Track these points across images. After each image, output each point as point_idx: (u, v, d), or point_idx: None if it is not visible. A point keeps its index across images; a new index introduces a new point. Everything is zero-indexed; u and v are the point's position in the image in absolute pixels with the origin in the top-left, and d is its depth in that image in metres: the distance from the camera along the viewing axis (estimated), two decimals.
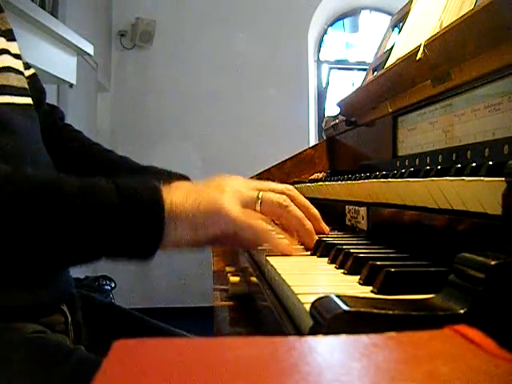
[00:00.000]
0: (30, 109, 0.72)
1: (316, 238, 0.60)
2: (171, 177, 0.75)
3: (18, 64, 0.72)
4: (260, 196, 0.56)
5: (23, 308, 0.61)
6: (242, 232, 0.53)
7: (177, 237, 0.51)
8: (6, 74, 0.69)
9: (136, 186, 0.51)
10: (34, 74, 0.82)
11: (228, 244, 0.61)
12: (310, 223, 0.59)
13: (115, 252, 0.51)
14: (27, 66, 0.79)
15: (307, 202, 0.62)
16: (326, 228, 0.65)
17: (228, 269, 0.77)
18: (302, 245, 0.60)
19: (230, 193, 0.54)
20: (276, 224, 0.61)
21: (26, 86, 0.73)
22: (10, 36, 0.73)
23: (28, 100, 0.72)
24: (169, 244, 0.51)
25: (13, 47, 0.73)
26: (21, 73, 0.73)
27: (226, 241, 0.56)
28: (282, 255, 0.55)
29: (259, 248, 0.59)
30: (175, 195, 0.51)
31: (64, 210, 0.48)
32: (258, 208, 0.56)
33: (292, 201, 0.59)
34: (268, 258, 0.52)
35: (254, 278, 0.63)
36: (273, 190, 0.58)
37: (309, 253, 0.57)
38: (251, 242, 0.55)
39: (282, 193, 0.59)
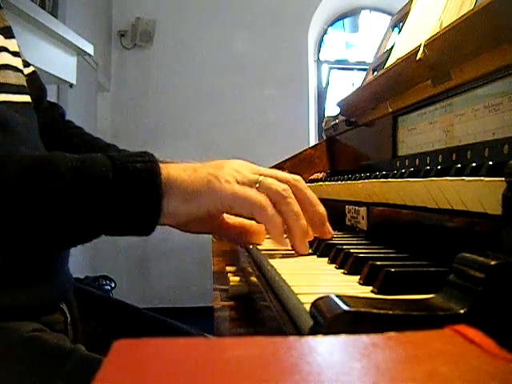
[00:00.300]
0: (29, 107, 0.72)
1: (307, 241, 0.55)
2: None
3: (16, 62, 0.72)
4: (259, 179, 0.53)
5: (23, 306, 0.61)
6: (235, 203, 0.50)
7: (173, 209, 0.50)
8: (4, 72, 0.68)
9: (131, 158, 0.50)
10: (33, 72, 0.82)
11: (231, 235, 0.59)
12: (305, 223, 0.53)
13: (115, 227, 0.50)
14: (27, 64, 0.79)
15: (314, 198, 0.56)
16: (330, 232, 0.58)
17: (228, 269, 0.77)
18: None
19: (228, 170, 0.52)
20: None
21: (25, 84, 0.72)
22: (8, 33, 0.73)
23: (26, 98, 0.72)
24: (166, 217, 0.50)
25: (11, 45, 0.72)
26: (20, 70, 0.72)
27: (229, 231, 0.55)
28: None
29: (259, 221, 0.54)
30: (171, 168, 0.51)
31: (58, 186, 0.47)
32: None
33: (297, 192, 0.54)
34: (268, 258, 0.52)
35: (253, 278, 0.63)
36: (276, 177, 0.54)
37: (309, 252, 0.57)
38: (246, 213, 0.51)
39: (287, 181, 0.54)
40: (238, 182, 0.51)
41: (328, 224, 0.57)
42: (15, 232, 0.49)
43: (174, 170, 0.50)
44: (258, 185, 0.52)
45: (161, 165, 0.50)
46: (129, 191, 0.48)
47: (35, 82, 0.79)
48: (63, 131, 0.86)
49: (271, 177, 0.54)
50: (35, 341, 0.58)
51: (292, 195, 0.53)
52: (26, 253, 0.56)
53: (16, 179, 0.47)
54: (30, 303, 0.62)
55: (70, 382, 0.55)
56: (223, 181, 0.50)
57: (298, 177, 0.56)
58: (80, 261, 2.64)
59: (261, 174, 0.54)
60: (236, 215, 0.58)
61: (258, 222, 0.54)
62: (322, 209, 0.56)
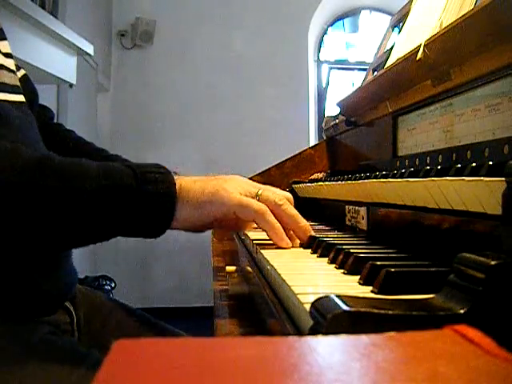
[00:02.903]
0: (25, 106, 0.72)
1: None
2: None
3: (9, 63, 0.72)
4: (259, 193, 0.61)
5: (29, 302, 0.61)
6: (241, 210, 0.58)
7: (184, 216, 0.57)
8: None
9: (150, 170, 0.56)
10: (25, 75, 0.81)
11: (229, 225, 0.65)
12: (305, 221, 0.62)
13: (131, 229, 0.55)
14: (18, 68, 0.79)
15: (298, 215, 0.63)
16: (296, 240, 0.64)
17: (228, 269, 0.77)
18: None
19: (233, 184, 0.60)
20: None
21: (19, 85, 0.72)
22: (0, 35, 0.73)
23: (22, 98, 0.71)
24: (177, 222, 0.57)
25: (3, 46, 0.72)
26: (12, 71, 0.72)
27: (228, 223, 0.61)
28: (278, 247, 0.58)
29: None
30: (183, 180, 0.58)
31: (88, 191, 0.52)
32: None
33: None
34: (268, 258, 0.52)
35: (254, 278, 0.63)
36: (273, 192, 0.63)
37: (309, 252, 0.57)
38: (250, 220, 0.60)
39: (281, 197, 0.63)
40: (241, 194, 0.59)
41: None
42: (42, 229, 0.52)
43: (185, 182, 0.58)
44: (258, 197, 0.60)
45: (174, 176, 0.57)
46: (148, 198, 0.54)
47: (27, 86, 0.79)
48: (54, 134, 0.86)
49: (269, 190, 0.62)
50: (50, 344, 0.59)
51: (288, 203, 0.62)
52: (46, 250, 0.60)
53: (49, 179, 0.51)
54: (35, 299, 0.62)
55: None
56: (229, 191, 0.58)
57: (289, 195, 0.66)
58: (80, 261, 2.63)
59: (259, 189, 0.62)
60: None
61: (259, 227, 0.61)
62: (305, 223, 0.63)
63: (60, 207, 0.51)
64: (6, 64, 0.71)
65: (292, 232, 0.62)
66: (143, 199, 0.53)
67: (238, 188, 0.60)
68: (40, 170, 0.51)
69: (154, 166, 0.57)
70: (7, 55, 0.72)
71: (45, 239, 0.54)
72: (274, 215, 0.60)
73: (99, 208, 0.52)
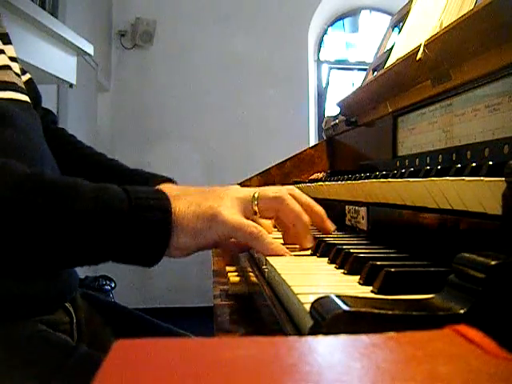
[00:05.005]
0: (31, 107, 0.72)
1: (311, 236, 0.59)
2: (158, 180, 0.76)
3: (15, 67, 0.72)
4: (256, 195, 0.57)
5: (28, 301, 0.61)
6: (236, 234, 0.54)
7: (179, 244, 0.54)
8: (6, 72, 0.69)
9: (146, 195, 0.53)
10: (30, 79, 0.82)
11: (227, 247, 0.62)
12: (307, 218, 0.58)
13: (122, 256, 0.53)
14: (23, 72, 0.80)
15: (310, 200, 0.61)
16: (331, 226, 0.64)
17: (228, 269, 0.77)
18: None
19: (228, 200, 0.56)
20: (276, 223, 0.61)
21: (24, 87, 0.73)
22: (5, 39, 0.74)
23: (28, 98, 0.72)
24: (172, 250, 0.54)
25: (8, 50, 0.73)
26: (18, 75, 0.73)
27: (225, 244, 0.58)
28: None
29: (256, 250, 0.58)
30: (178, 204, 0.54)
31: (78, 212, 0.50)
32: (255, 207, 0.57)
33: (294, 198, 0.59)
34: (268, 257, 0.52)
35: (254, 278, 0.63)
36: (271, 190, 0.59)
37: (309, 252, 0.57)
38: (246, 242, 0.55)
39: (280, 189, 0.59)
40: (238, 206, 0.56)
41: (328, 220, 0.63)
42: (30, 248, 0.50)
43: (180, 206, 0.54)
44: (256, 201, 0.57)
45: (170, 198, 0.54)
46: (141, 226, 0.51)
47: (32, 89, 0.80)
48: (56, 138, 0.86)
49: (266, 189, 0.59)
50: (38, 338, 0.59)
51: (289, 197, 0.58)
52: (34, 270, 0.58)
53: (39, 198, 0.49)
54: (35, 298, 0.62)
55: (71, 378, 0.55)
56: (225, 214, 0.54)
57: (291, 186, 0.62)
58: None
59: (255, 192, 0.58)
60: None
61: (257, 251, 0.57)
62: (319, 208, 0.62)
63: (47, 227, 0.49)
64: (11, 66, 0.71)
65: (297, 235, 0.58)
66: (135, 226, 0.51)
67: (234, 202, 0.56)
68: (30, 187, 0.49)
69: (152, 192, 0.54)
70: (12, 59, 0.73)
71: (31, 257, 0.52)
72: (278, 213, 0.58)
73: (88, 231, 0.50)
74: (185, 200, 0.55)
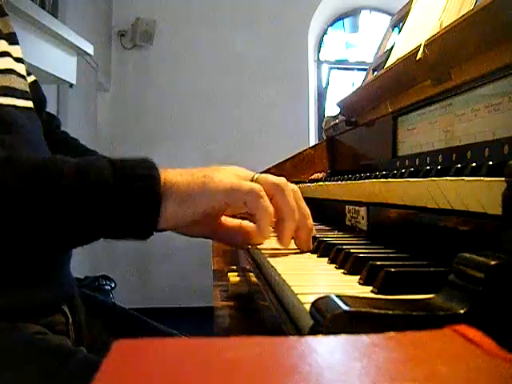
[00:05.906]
0: (33, 112, 0.72)
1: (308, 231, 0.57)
2: None
3: (20, 68, 0.72)
4: (256, 176, 0.55)
5: (24, 307, 0.61)
6: (230, 198, 0.52)
7: (168, 213, 0.51)
8: (9, 77, 0.68)
9: (132, 164, 0.51)
10: (35, 81, 0.81)
11: (227, 235, 0.59)
12: (298, 217, 0.55)
13: (114, 229, 0.51)
14: (28, 73, 0.79)
15: (307, 211, 0.58)
16: (305, 246, 0.58)
17: (228, 269, 0.77)
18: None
19: (225, 173, 0.54)
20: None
21: (28, 90, 0.72)
22: (12, 39, 0.73)
23: (30, 104, 0.72)
24: (164, 221, 0.51)
25: (15, 51, 0.72)
26: (23, 77, 0.72)
27: (224, 229, 0.57)
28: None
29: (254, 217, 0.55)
30: (169, 173, 0.52)
31: (61, 189, 0.48)
32: None
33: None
34: (268, 258, 0.52)
35: (254, 278, 0.63)
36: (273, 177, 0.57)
37: (309, 252, 0.57)
38: (243, 211, 0.53)
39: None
40: (233, 180, 0.53)
41: (310, 240, 0.58)
42: (16, 232, 0.49)
43: (171, 175, 0.52)
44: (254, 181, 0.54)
45: (159, 168, 0.52)
46: (128, 196, 0.49)
47: (36, 92, 0.79)
48: (59, 142, 0.86)
49: (266, 175, 0.56)
50: (38, 341, 0.58)
51: (289, 187, 0.55)
52: (25, 253, 0.57)
53: (19, 180, 0.48)
54: (31, 304, 0.62)
55: (71, 383, 0.55)
56: (217, 180, 0.52)
57: (295, 186, 0.58)
58: (80, 261, 2.63)
59: (256, 173, 0.56)
60: (234, 217, 0.59)
61: (251, 216, 0.55)
62: (311, 223, 0.58)
63: (34, 207, 0.48)
64: (16, 69, 0.71)
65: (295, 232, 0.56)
66: (121, 196, 0.49)
67: (230, 175, 0.53)
68: (9, 170, 0.48)
69: (139, 161, 0.52)
70: (18, 60, 0.72)
71: (22, 242, 0.51)
72: (273, 199, 0.54)
73: (75, 207, 0.48)
74: (175, 171, 0.53)
